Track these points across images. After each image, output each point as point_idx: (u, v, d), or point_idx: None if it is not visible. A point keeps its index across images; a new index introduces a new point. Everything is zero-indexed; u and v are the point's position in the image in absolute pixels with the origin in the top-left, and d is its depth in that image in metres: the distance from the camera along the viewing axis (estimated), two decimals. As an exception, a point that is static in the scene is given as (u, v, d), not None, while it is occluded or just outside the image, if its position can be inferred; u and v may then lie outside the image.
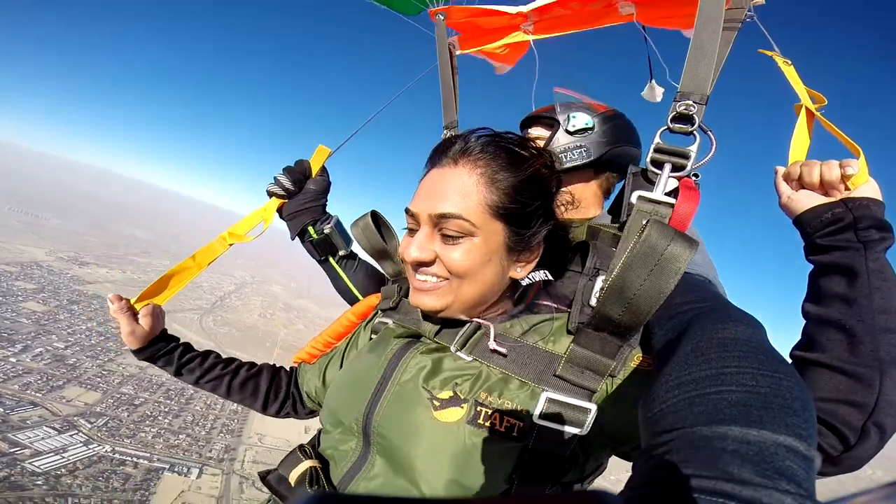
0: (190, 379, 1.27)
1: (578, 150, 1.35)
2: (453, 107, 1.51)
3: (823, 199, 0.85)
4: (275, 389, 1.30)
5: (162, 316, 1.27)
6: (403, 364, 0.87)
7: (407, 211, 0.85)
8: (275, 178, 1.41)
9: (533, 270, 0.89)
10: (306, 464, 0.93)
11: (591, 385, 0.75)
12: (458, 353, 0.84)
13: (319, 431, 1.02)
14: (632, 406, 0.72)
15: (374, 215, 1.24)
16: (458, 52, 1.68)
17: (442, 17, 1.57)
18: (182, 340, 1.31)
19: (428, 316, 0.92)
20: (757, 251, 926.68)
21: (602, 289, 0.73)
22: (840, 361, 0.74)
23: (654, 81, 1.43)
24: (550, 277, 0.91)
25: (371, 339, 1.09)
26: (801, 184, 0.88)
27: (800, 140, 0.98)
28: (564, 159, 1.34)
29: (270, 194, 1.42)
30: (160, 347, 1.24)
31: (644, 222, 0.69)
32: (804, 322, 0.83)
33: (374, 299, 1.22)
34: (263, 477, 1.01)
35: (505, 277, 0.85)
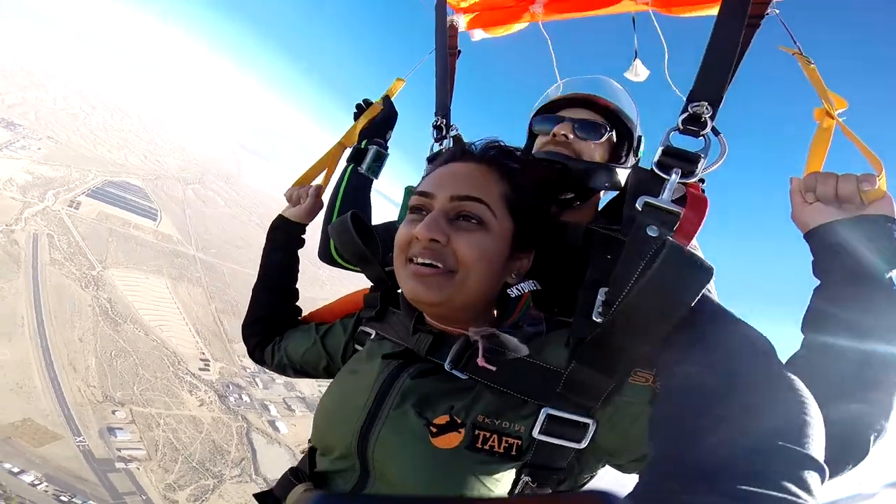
0: (270, 260, 1.39)
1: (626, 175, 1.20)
2: (447, 90, 1.43)
3: (838, 215, 0.82)
4: (274, 322, 1.35)
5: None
6: (396, 388, 0.83)
7: (418, 192, 0.83)
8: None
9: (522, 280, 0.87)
10: (301, 488, 0.87)
11: (591, 402, 0.73)
12: (453, 371, 0.81)
13: (311, 451, 0.97)
14: (631, 421, 0.72)
15: (355, 217, 1.12)
16: (461, 31, 1.61)
17: None
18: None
19: (417, 329, 0.88)
20: (761, 257, 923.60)
21: (606, 303, 0.72)
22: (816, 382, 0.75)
23: (638, 61, 1.51)
24: (538, 287, 0.88)
25: (356, 349, 1.09)
26: (816, 196, 0.85)
27: (818, 149, 0.94)
28: (621, 181, 1.17)
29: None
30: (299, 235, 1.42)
31: (659, 242, 0.67)
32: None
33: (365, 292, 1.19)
34: (260, 499, 0.96)
35: (500, 282, 0.84)
